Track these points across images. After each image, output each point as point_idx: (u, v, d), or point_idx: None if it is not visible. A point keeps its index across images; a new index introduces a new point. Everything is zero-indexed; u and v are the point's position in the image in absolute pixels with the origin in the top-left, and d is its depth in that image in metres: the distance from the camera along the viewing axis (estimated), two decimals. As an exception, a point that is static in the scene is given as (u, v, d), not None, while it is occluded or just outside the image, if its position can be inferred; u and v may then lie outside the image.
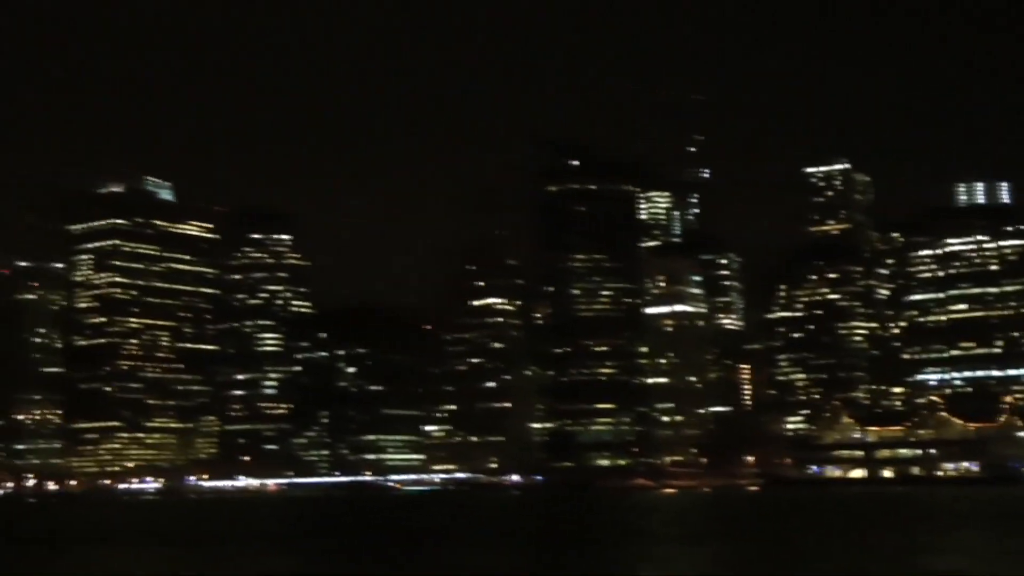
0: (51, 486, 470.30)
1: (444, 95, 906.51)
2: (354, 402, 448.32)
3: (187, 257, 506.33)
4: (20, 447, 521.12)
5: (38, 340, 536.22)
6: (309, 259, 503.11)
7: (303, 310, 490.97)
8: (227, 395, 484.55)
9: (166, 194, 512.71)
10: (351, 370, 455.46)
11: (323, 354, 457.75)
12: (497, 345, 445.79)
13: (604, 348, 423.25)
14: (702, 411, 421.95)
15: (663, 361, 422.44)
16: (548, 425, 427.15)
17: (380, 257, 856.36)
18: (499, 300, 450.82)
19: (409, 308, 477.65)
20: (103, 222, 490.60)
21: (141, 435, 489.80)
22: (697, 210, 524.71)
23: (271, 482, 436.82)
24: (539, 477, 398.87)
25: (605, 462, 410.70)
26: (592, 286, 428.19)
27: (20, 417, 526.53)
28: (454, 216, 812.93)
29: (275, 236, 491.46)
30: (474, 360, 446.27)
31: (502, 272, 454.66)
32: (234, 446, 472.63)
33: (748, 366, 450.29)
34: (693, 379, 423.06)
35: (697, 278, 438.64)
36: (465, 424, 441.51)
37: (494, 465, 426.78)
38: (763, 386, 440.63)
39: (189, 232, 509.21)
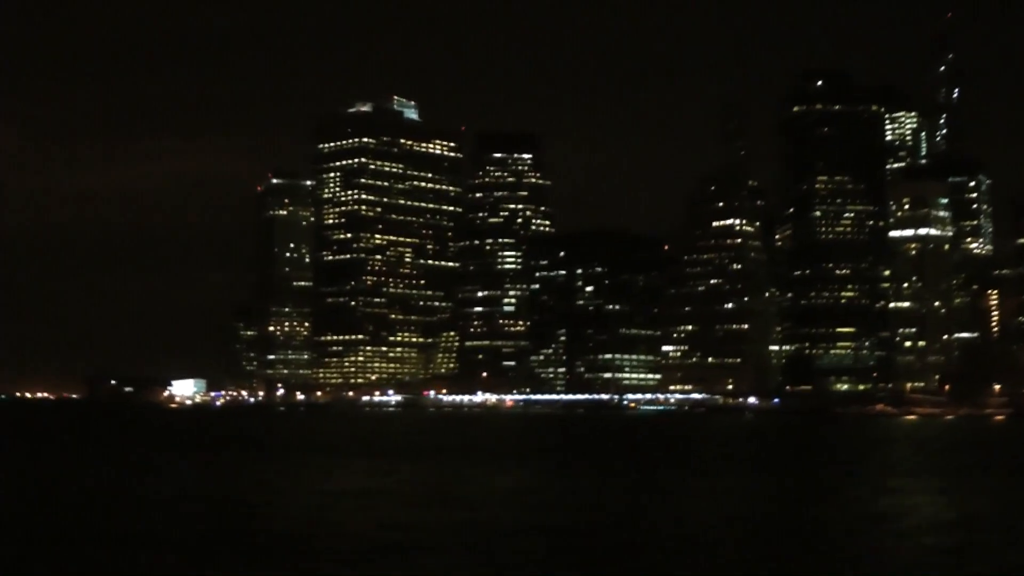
0: (299, 396, 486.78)
1: (692, 19, 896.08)
2: (592, 321, 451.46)
3: (431, 175, 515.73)
4: (271, 358, 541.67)
5: (289, 255, 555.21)
6: (550, 180, 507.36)
7: (543, 229, 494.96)
8: (467, 312, 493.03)
9: (412, 114, 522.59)
10: (589, 289, 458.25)
11: (562, 273, 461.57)
12: (737, 267, 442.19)
13: (846, 271, 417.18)
14: (947, 337, 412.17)
15: (907, 286, 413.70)
16: (787, 348, 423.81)
17: (621, 179, 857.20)
18: (740, 222, 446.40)
19: (648, 229, 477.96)
20: (351, 141, 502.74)
21: (384, 349, 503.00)
22: (946, 131, 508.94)
23: (508, 398, 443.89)
24: (776, 400, 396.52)
25: (844, 387, 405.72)
26: (835, 208, 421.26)
27: (272, 328, 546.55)
28: (698, 138, 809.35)
29: (517, 156, 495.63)
30: (713, 282, 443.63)
31: (744, 194, 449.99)
32: (473, 362, 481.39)
33: (996, 292, 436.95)
34: (938, 304, 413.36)
35: (944, 201, 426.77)
36: (703, 345, 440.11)
37: (731, 387, 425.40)
38: (1012, 313, 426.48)
39: (433, 151, 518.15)
